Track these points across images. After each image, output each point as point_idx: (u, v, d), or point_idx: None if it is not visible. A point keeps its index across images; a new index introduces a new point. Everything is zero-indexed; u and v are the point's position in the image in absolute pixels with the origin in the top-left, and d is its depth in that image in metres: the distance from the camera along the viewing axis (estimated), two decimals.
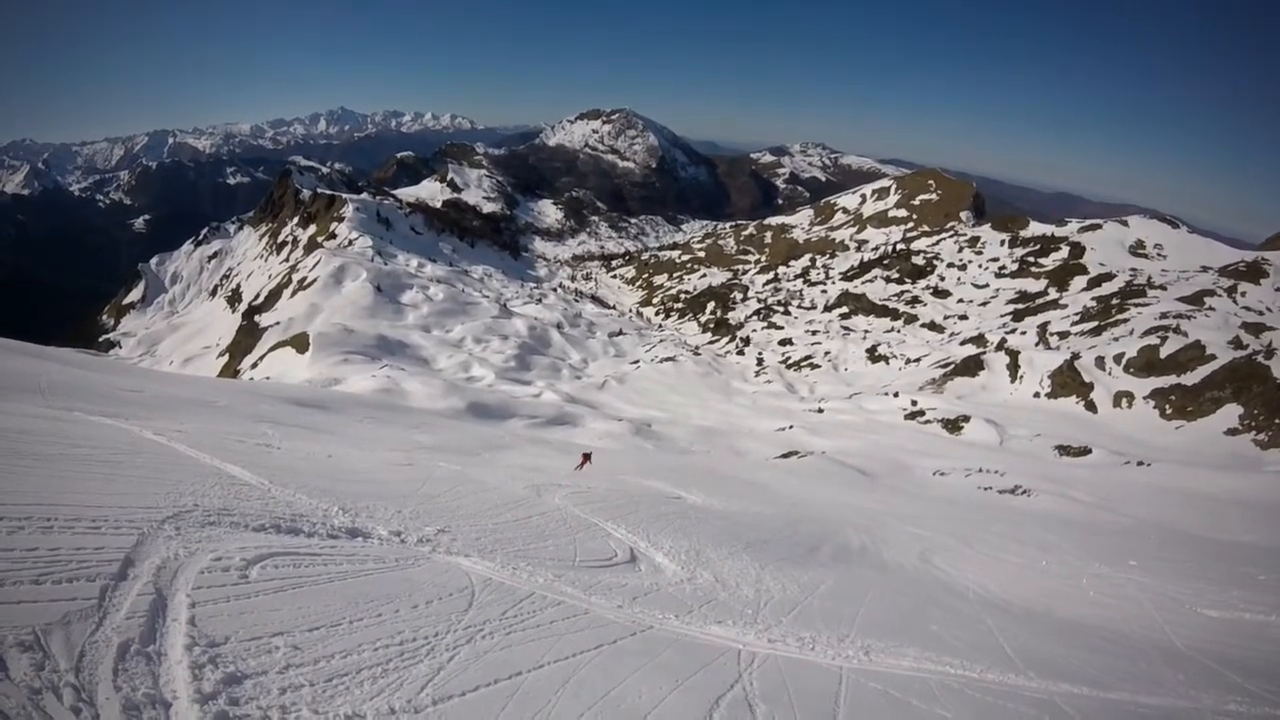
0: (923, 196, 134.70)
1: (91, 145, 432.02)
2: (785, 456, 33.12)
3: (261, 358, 58.39)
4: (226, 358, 70.98)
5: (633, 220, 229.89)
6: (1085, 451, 33.39)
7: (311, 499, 8.92)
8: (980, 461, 30.39)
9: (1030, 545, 16.89)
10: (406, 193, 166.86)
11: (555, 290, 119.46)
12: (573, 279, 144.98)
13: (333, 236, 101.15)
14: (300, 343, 54.46)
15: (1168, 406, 40.43)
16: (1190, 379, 41.03)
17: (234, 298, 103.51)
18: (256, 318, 72.86)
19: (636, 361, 70.70)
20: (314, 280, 74.93)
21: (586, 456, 21.69)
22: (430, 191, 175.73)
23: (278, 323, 64.64)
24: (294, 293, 76.21)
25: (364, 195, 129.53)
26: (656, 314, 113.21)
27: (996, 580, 13.23)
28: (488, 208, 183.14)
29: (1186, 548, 17.77)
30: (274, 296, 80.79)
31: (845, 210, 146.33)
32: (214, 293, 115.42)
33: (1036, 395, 45.60)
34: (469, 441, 24.87)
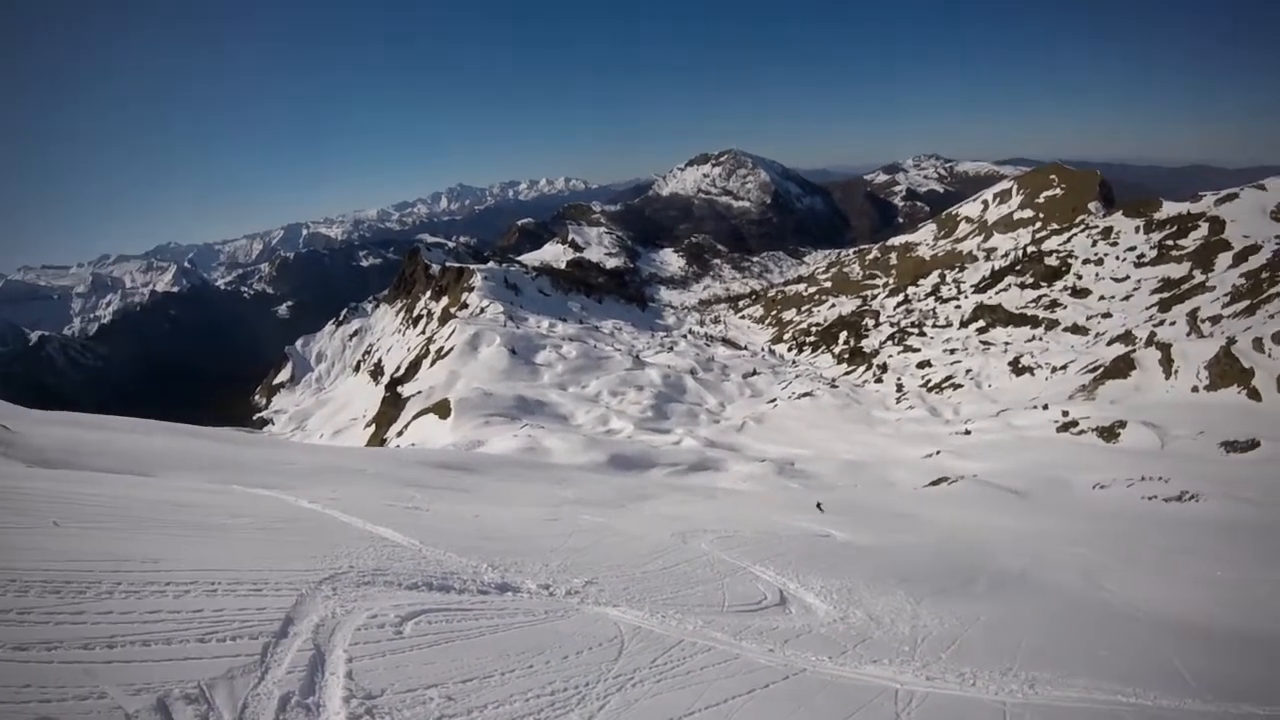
0: (1047, 193, 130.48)
1: (233, 243, 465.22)
2: (935, 484, 32.18)
3: (406, 426, 60.95)
4: (373, 428, 74.52)
5: (754, 259, 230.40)
6: (1253, 445, 31.12)
7: (461, 557, 9.22)
8: (1142, 469, 28.61)
9: (1200, 556, 15.99)
10: (530, 258, 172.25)
11: (685, 337, 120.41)
12: (701, 324, 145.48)
13: (464, 306, 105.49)
14: (442, 409, 56.69)
15: None
16: None
17: (376, 371, 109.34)
18: (399, 388, 76.52)
19: (773, 400, 70.30)
20: (451, 349, 78.37)
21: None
22: (553, 254, 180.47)
23: (419, 392, 67.66)
24: (433, 362, 79.86)
25: (490, 264, 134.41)
26: (789, 350, 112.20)
27: (1166, 597, 12.59)
28: (610, 263, 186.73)
29: None
30: (414, 367, 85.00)
31: (968, 219, 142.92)
32: (357, 368, 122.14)
33: (1194, 389, 42.89)
34: (611, 493, 25.26)
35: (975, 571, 13.64)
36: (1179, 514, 22.25)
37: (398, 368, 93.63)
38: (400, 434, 60.59)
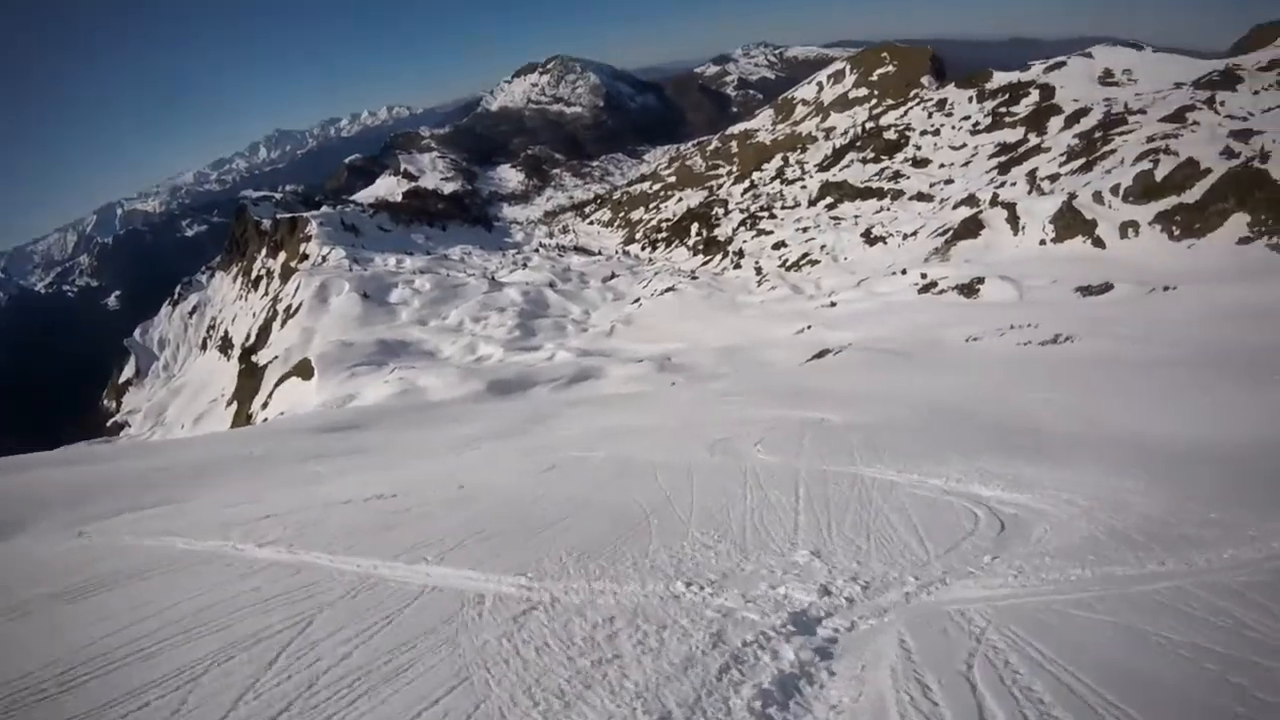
0: (880, 71, 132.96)
1: (44, 240, 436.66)
2: (818, 357, 32.79)
3: (270, 396, 57.77)
4: (234, 405, 70.32)
5: (594, 163, 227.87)
6: (1107, 288, 33.02)
7: (650, 581, 6.71)
8: (1008, 319, 29.84)
9: (1133, 388, 16.76)
10: (365, 195, 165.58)
11: (537, 251, 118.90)
12: (550, 236, 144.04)
13: (305, 258, 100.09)
14: (304, 370, 53.84)
15: (1175, 228, 39.82)
16: (1191, 196, 40.24)
17: (225, 344, 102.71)
18: (253, 358, 72.38)
19: (637, 300, 70.29)
20: (299, 305, 74.30)
21: None
22: (388, 187, 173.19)
23: (276, 357, 63.87)
24: (283, 323, 75.79)
25: (324, 209, 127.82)
26: (643, 249, 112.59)
27: (1163, 423, 13.02)
28: (448, 188, 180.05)
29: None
30: (264, 332, 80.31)
31: (805, 102, 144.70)
32: (204, 346, 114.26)
33: (1042, 243, 45.10)
34: (514, 420, 24.29)
35: (1014, 431, 13.53)
36: (1063, 354, 23.18)
37: (247, 336, 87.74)
38: (265, 406, 57.41)
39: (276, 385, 57.47)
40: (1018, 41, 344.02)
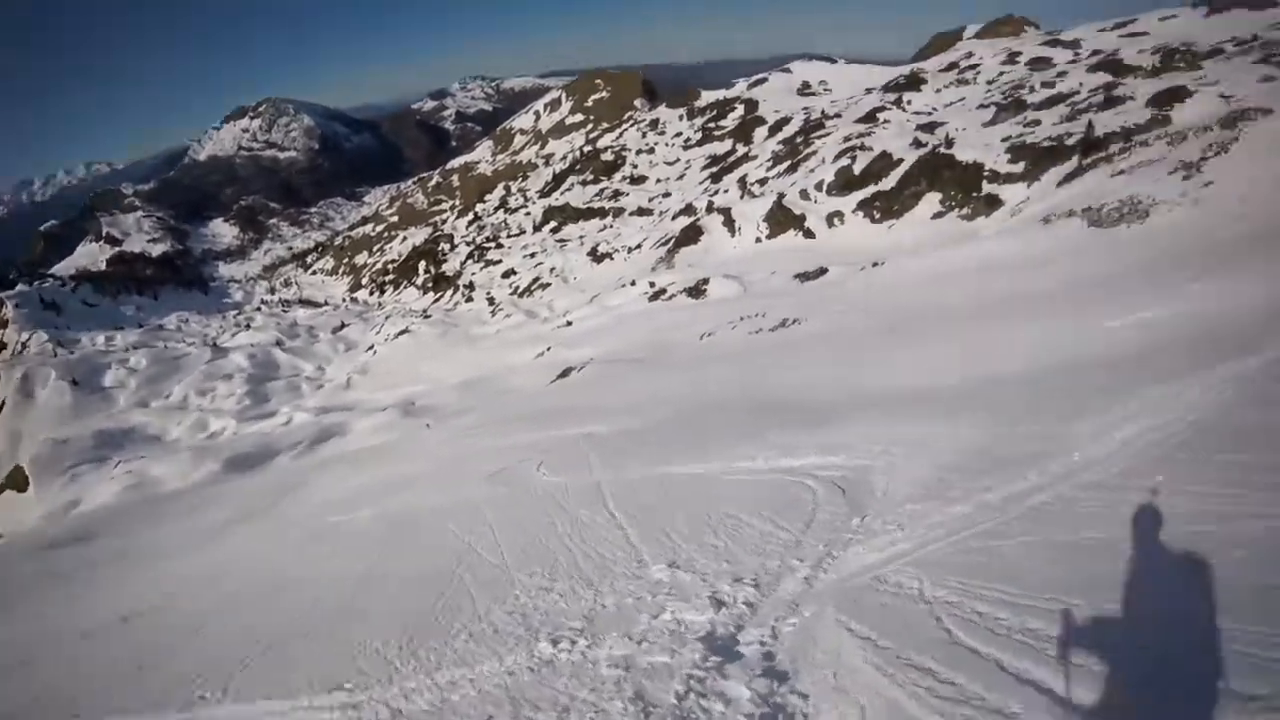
0: (595, 96, 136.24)
1: None
2: (563, 376, 31.62)
3: None
4: None
5: (313, 210, 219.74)
6: (823, 271, 34.57)
7: (506, 651, 5.66)
8: (738, 312, 30.38)
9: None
10: (65, 266, 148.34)
11: (259, 309, 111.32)
12: (272, 291, 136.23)
13: (3, 346, 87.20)
14: (17, 480, 45.77)
15: (876, 212, 42.77)
16: (888, 184, 43.46)
17: None
18: None
19: (371, 348, 66.79)
20: (1, 403, 63.99)
21: None
22: (90, 255, 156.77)
23: None
24: None
25: (19, 288, 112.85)
26: (371, 294, 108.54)
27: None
28: (157, 250, 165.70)
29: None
30: None
31: (523, 131, 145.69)
32: None
33: (759, 240, 46.85)
34: (264, 495, 21.48)
35: (782, 408, 13.07)
36: (794, 335, 23.56)
37: None
38: None
39: None
40: (723, 64, 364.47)
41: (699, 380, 19.48)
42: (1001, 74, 56.89)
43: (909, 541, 5.72)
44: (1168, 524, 4.54)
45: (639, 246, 60.30)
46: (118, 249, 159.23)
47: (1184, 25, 49.88)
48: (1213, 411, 6.37)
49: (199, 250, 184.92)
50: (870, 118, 55.27)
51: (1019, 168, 38.26)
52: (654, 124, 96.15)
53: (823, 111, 66.99)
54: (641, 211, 73.05)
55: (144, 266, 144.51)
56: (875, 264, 31.82)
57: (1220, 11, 48.27)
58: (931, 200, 40.56)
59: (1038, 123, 41.85)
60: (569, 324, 48.44)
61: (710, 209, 54.90)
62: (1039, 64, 54.89)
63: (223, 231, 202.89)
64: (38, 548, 22.01)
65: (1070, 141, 36.96)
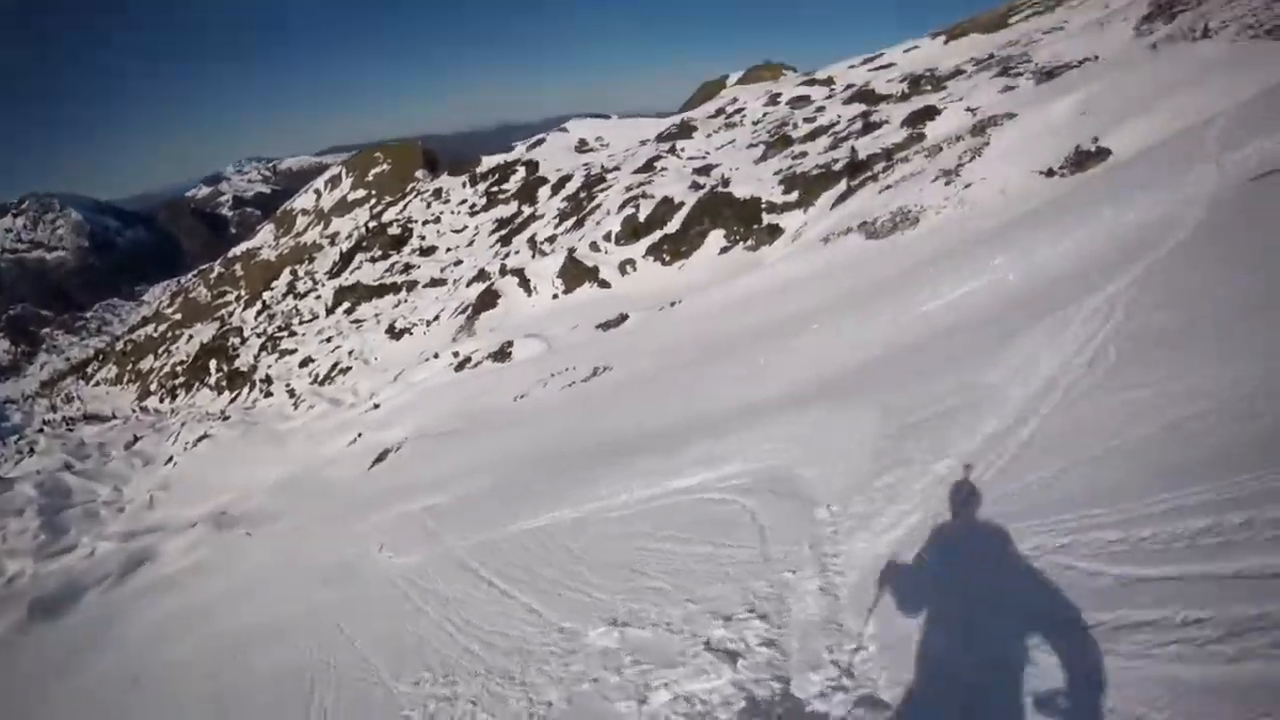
0: (375, 170, 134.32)
1: None
2: (380, 460, 30.45)
3: None
4: None
5: (89, 315, 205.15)
6: (623, 318, 35.07)
7: None
8: (548, 370, 30.31)
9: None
10: None
11: (41, 432, 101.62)
12: (54, 409, 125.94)
13: None
14: None
15: (665, 255, 44.05)
16: (673, 227, 44.98)
17: None
18: None
19: (170, 460, 61.83)
20: None
21: None
22: None
23: None
24: None
25: None
26: (162, 401, 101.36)
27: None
28: None
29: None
30: None
31: (305, 211, 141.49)
32: None
33: (555, 297, 47.23)
34: (61, 650, 19.01)
35: (628, 444, 12.71)
36: (607, 381, 23.63)
37: None
38: None
39: None
40: (506, 128, 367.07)
41: (527, 436, 19.30)
42: (766, 114, 60.08)
43: (918, 512, 5.16)
44: None
45: (437, 318, 59.37)
46: None
47: (926, 54, 54.41)
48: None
49: None
50: (648, 167, 56.78)
51: (793, 196, 40.43)
52: (438, 193, 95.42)
53: (602, 165, 68.37)
54: (435, 282, 71.88)
55: None
56: (673, 303, 32.58)
57: (956, 38, 52.98)
58: (716, 237, 42.11)
59: (805, 154, 44.41)
60: (376, 406, 46.78)
61: (504, 271, 54.71)
62: (799, 102, 58.30)
63: None
64: None
65: (837, 167, 39.46)
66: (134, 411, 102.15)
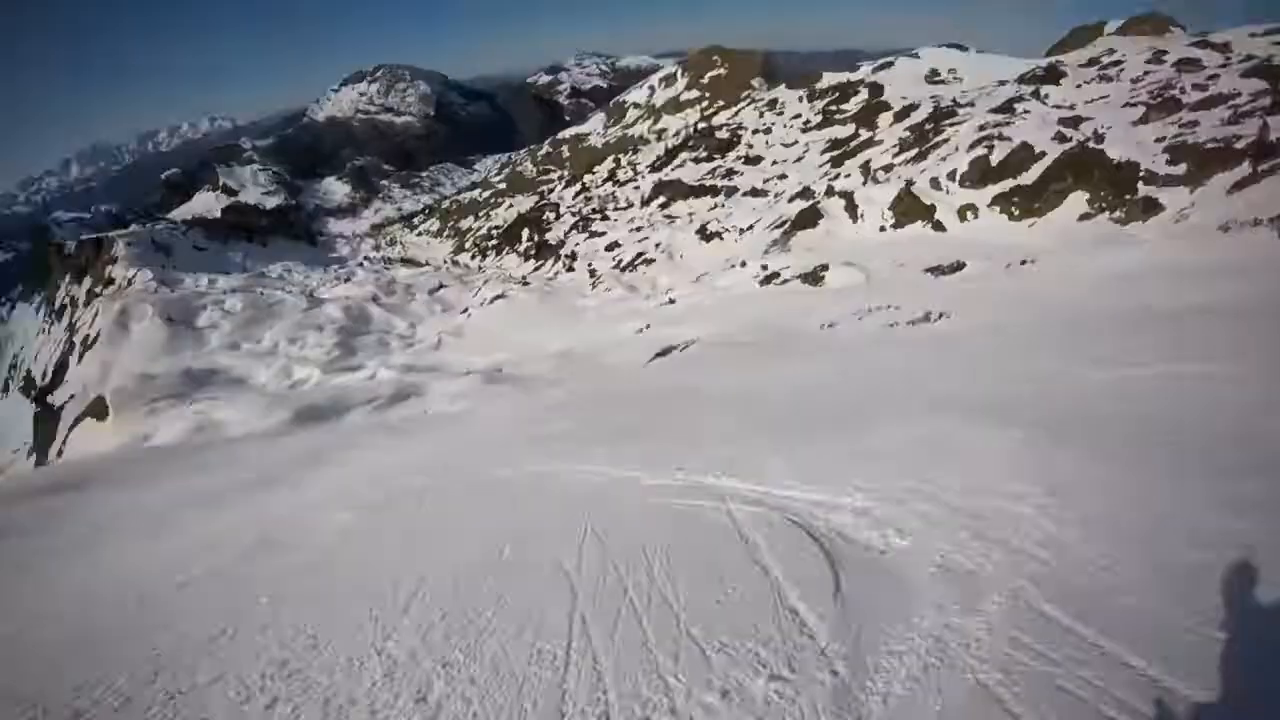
0: (712, 74, 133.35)
1: None
2: (662, 355, 29.47)
3: (65, 441, 49.09)
4: (34, 457, 60.36)
5: (424, 174, 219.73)
6: (959, 266, 31.70)
7: None
8: (863, 303, 27.71)
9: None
10: (182, 212, 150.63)
11: (361, 265, 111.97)
12: (377, 248, 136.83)
13: (110, 282, 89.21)
14: (99, 409, 45.90)
15: (1014, 209, 39.72)
16: (1028, 179, 40.37)
17: (28, 385, 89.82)
18: (49, 398, 62.72)
19: (466, 310, 65.72)
20: (97, 334, 65.15)
21: None
22: (205, 203, 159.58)
23: (73, 396, 54.84)
24: (80, 356, 66.38)
25: (133, 228, 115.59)
26: (473, 258, 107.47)
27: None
28: (271, 203, 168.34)
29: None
30: (62, 369, 70.11)
31: (637, 105, 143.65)
32: (5, 388, 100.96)
33: (882, 229, 44.17)
34: (297, 455, 19.00)
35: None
36: (942, 330, 20.94)
37: (44, 374, 77.02)
38: (60, 454, 48.57)
39: (71, 428, 49.05)
40: (846, 53, 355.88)
41: (833, 370, 17.16)
42: (1147, 73, 52.88)
43: None
44: None
45: (751, 228, 57.89)
46: (233, 199, 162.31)
47: None
48: None
49: (311, 205, 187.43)
50: (1007, 108, 51.75)
51: (1180, 170, 34.87)
52: (772, 104, 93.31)
53: (954, 99, 63.38)
54: (756, 192, 70.35)
55: (256, 217, 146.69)
56: (1023, 261, 29.12)
57: None
58: (1078, 199, 37.38)
59: (1196, 124, 38.33)
60: (672, 302, 46.56)
61: (830, 193, 52.16)
62: (1188, 65, 50.78)
63: (335, 189, 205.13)
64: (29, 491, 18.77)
65: (1239, 145, 33.63)
66: (446, 263, 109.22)
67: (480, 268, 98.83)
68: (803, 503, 7.26)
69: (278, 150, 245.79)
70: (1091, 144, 39.32)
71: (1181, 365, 9.89)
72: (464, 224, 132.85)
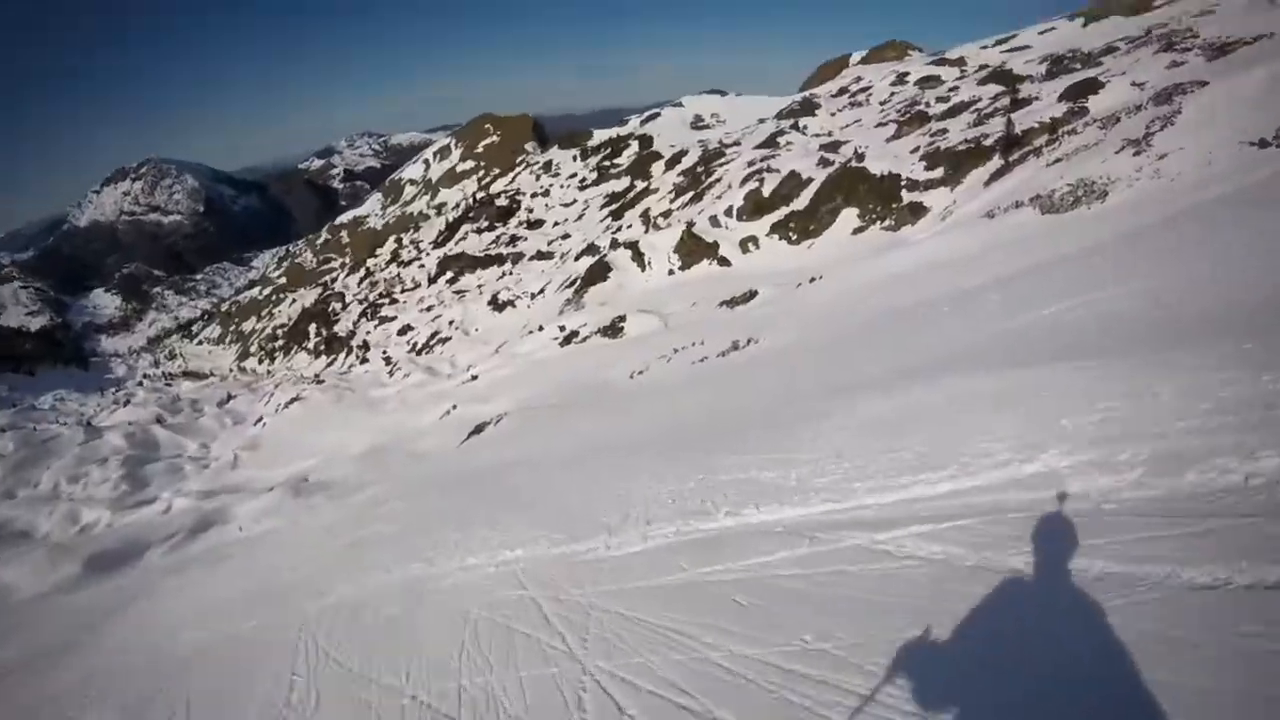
0: (485, 142, 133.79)
1: None
2: (476, 433, 27.98)
3: None
4: None
5: (199, 277, 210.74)
6: (752, 295, 32.34)
7: None
8: (668, 345, 27.60)
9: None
10: None
11: (141, 384, 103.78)
12: (156, 364, 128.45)
13: None
14: None
15: (792, 233, 41.37)
16: (800, 204, 42.25)
17: None
18: None
19: (260, 420, 61.50)
20: None
21: None
22: None
23: None
24: None
25: None
26: (260, 362, 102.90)
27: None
28: (35, 324, 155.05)
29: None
30: None
31: (413, 181, 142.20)
32: None
33: (671, 273, 44.79)
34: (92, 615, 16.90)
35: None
36: (753, 354, 21.11)
37: None
38: None
39: None
40: (607, 112, 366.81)
41: (653, 414, 16.80)
42: (893, 94, 56.72)
43: None
44: None
45: (543, 291, 57.52)
46: None
47: (1065, 35, 51.20)
48: None
49: (80, 323, 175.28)
50: (771, 142, 54.16)
51: (938, 173, 37.51)
52: (547, 166, 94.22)
53: (720, 141, 65.79)
54: (542, 255, 70.10)
55: (21, 342, 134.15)
56: (812, 279, 29.72)
57: (1097, 20, 49.81)
58: (849, 215, 39.36)
59: (945, 131, 41.29)
60: (474, 378, 45.17)
61: (615, 245, 52.53)
62: (929, 82, 55.03)
63: (105, 302, 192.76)
64: None
65: (988, 142, 36.50)
66: (232, 371, 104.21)
67: (269, 371, 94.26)
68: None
69: (40, 264, 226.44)
70: (854, 163, 41.54)
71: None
72: (246, 326, 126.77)
